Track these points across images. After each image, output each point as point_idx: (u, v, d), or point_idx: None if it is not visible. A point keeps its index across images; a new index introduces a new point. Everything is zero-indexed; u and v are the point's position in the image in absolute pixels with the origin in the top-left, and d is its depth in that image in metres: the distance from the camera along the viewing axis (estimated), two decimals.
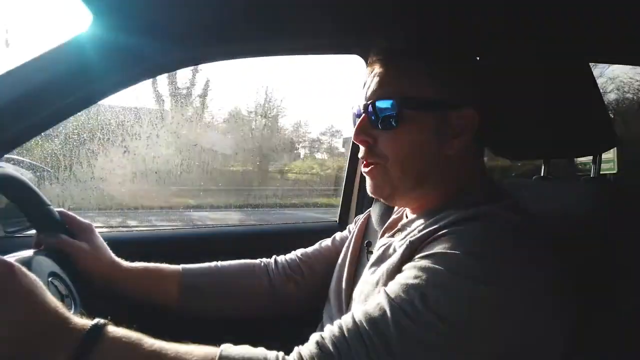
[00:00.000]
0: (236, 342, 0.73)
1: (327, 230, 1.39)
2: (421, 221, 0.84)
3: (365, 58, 1.38)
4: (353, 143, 1.59)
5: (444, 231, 0.74)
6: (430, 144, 0.83)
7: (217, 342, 0.72)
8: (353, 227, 1.19)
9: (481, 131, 0.84)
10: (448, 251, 0.69)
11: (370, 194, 0.91)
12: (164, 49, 1.15)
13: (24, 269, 0.64)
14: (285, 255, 1.24)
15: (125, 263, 1.08)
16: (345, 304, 0.99)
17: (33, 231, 1.02)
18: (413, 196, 0.89)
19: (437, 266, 0.68)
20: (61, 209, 1.05)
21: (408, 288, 0.68)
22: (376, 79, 0.86)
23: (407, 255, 0.77)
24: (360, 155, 0.91)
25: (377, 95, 0.85)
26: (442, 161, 0.84)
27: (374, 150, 0.86)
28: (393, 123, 0.82)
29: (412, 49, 0.86)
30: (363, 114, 0.87)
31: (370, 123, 0.85)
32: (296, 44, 1.31)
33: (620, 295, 0.86)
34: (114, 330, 0.66)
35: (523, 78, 1.00)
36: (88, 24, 1.05)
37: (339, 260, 1.11)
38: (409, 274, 0.70)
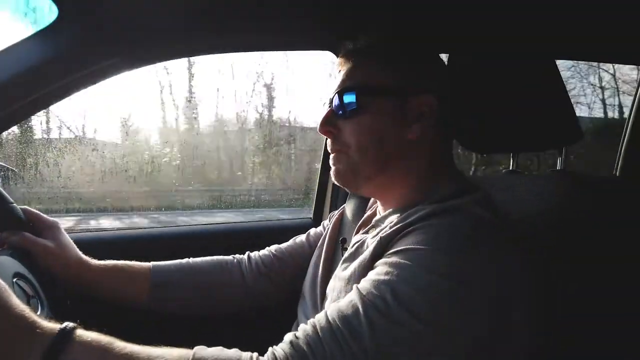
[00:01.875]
0: (210, 340, 0.72)
1: (301, 227, 1.39)
2: (393, 217, 0.85)
3: (337, 54, 1.39)
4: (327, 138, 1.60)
5: (413, 227, 0.75)
6: (390, 128, 0.85)
7: (190, 340, 0.71)
8: (327, 224, 1.19)
9: (444, 120, 0.87)
10: (417, 246, 0.70)
11: (334, 181, 0.93)
12: (131, 45, 1.13)
13: None
14: (259, 251, 1.23)
15: (93, 261, 1.06)
16: (320, 300, 0.99)
17: None
18: (377, 183, 0.89)
19: (406, 261, 0.69)
20: (25, 207, 1.02)
21: (379, 284, 0.68)
22: (341, 74, 0.91)
23: (379, 252, 0.77)
24: (328, 146, 0.93)
25: (340, 87, 0.89)
26: (404, 146, 0.86)
27: (338, 139, 0.89)
28: (353, 111, 0.86)
29: (372, 44, 0.91)
30: (328, 107, 0.90)
31: (335, 115, 0.89)
32: (269, 39, 1.31)
33: (585, 285, 0.88)
34: (83, 334, 0.64)
35: (489, 72, 1.02)
36: (53, 16, 1.02)
37: (314, 257, 1.11)
38: (380, 270, 0.71)
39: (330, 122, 0.89)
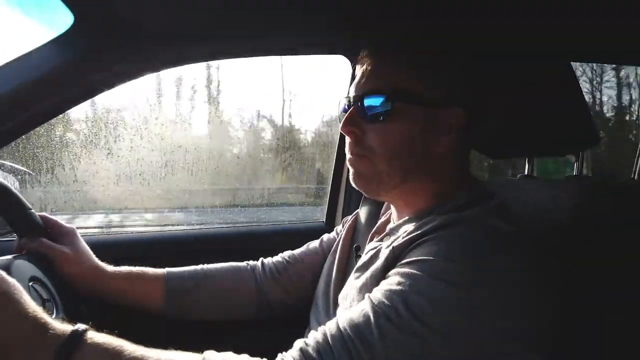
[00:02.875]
0: (222, 346, 0.72)
1: (314, 230, 1.39)
2: (408, 226, 0.83)
3: (350, 58, 1.39)
4: (340, 140, 1.60)
5: (426, 237, 0.74)
6: (419, 139, 0.82)
7: (201, 345, 0.72)
8: (341, 229, 1.18)
9: (467, 131, 0.84)
10: (429, 257, 0.69)
11: (353, 184, 0.89)
12: (146, 50, 1.14)
13: (3, 273, 0.63)
14: (272, 257, 1.23)
15: (109, 267, 1.06)
16: (332, 307, 0.98)
17: (15, 236, 1.01)
18: (397, 192, 0.87)
19: (419, 272, 0.68)
20: (43, 213, 1.03)
21: (391, 294, 0.68)
22: (367, 73, 0.85)
23: (391, 261, 0.77)
24: (347, 148, 0.88)
25: (367, 88, 0.84)
26: (429, 158, 0.84)
27: (361, 142, 0.85)
28: (383, 116, 0.81)
29: (405, 42, 0.86)
30: (352, 106, 0.85)
31: (359, 115, 0.84)
32: (281, 44, 1.31)
33: (604, 292, 0.87)
34: (94, 335, 0.65)
35: (509, 78, 1.01)
36: (69, 24, 1.03)
37: (327, 263, 1.11)
38: (393, 280, 0.70)
39: (355, 123, 0.84)
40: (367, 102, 0.82)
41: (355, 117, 0.84)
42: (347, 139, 0.87)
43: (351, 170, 0.88)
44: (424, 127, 0.82)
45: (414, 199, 0.88)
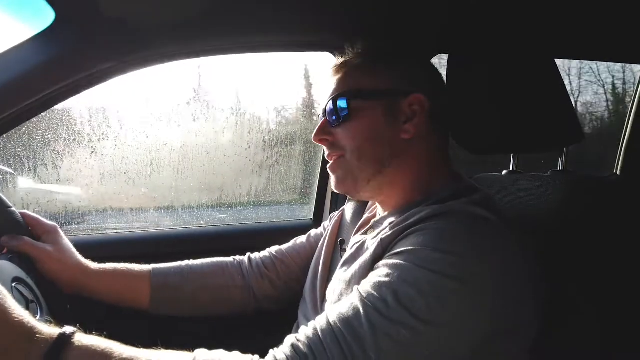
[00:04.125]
0: (211, 341, 0.72)
1: (302, 228, 1.38)
2: (392, 218, 0.85)
3: (337, 56, 1.39)
4: None
5: (413, 228, 0.75)
6: (383, 130, 0.88)
7: (191, 342, 0.71)
8: (328, 224, 1.19)
9: (436, 118, 0.88)
10: (417, 247, 0.70)
11: (335, 190, 0.95)
12: (129, 47, 1.12)
13: None
14: (259, 253, 1.22)
15: (93, 265, 1.05)
16: (320, 302, 0.99)
17: None
18: (375, 186, 0.91)
19: (407, 263, 0.69)
20: (24, 211, 1.01)
21: (380, 286, 0.68)
22: (333, 83, 0.94)
23: (379, 253, 0.78)
24: (325, 154, 0.95)
25: (332, 95, 0.92)
26: (399, 146, 0.88)
27: (334, 145, 0.92)
28: (346, 116, 0.89)
29: (360, 53, 0.95)
30: (322, 117, 0.94)
31: (329, 123, 0.92)
32: (268, 41, 1.30)
33: (584, 286, 0.88)
34: (82, 338, 0.64)
35: (488, 70, 1.01)
36: (50, 21, 1.02)
37: (314, 258, 1.11)
38: (381, 272, 0.71)
39: (325, 131, 0.92)
40: (332, 107, 0.91)
41: (325, 125, 0.93)
42: (324, 147, 0.95)
43: (332, 177, 0.95)
44: (386, 117, 0.88)
45: (393, 192, 0.90)
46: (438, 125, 0.90)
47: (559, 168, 1.09)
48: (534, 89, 1.00)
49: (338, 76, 0.94)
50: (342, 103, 0.89)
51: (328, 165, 0.95)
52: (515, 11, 1.14)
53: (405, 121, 0.87)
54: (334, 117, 0.90)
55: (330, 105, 0.91)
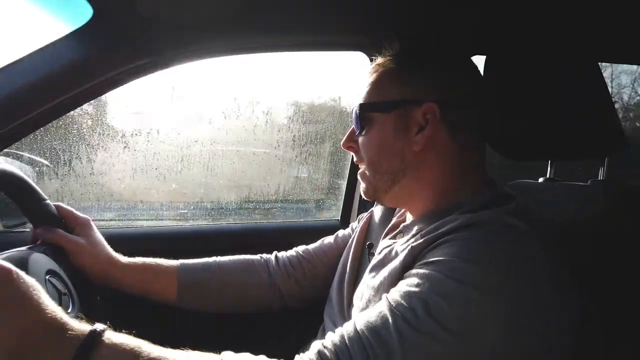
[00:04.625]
0: (236, 339, 0.72)
1: (329, 229, 1.38)
2: (422, 225, 0.84)
3: (369, 55, 1.37)
4: None
5: (444, 238, 0.73)
6: (395, 142, 0.87)
7: (216, 340, 0.72)
8: (356, 226, 1.18)
9: (451, 125, 0.84)
10: (449, 258, 0.68)
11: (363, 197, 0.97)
12: (166, 43, 1.13)
13: (22, 273, 0.62)
14: (286, 251, 1.22)
15: (124, 258, 1.07)
16: (347, 306, 0.98)
17: (29, 226, 1.01)
18: (396, 195, 0.91)
19: (438, 273, 0.67)
20: (58, 203, 1.04)
21: (410, 296, 0.67)
22: (361, 91, 0.95)
23: (409, 262, 0.76)
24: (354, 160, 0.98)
25: (355, 104, 0.93)
26: (412, 158, 0.86)
27: (357, 154, 0.95)
28: (363, 128, 0.91)
29: (389, 55, 0.94)
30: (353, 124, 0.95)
31: (354, 131, 0.94)
32: (300, 40, 1.30)
33: (626, 298, 0.85)
34: (112, 336, 0.65)
35: (528, 74, 0.98)
36: (88, 17, 1.03)
37: (342, 260, 1.10)
38: (411, 281, 0.69)
39: (351, 138, 0.95)
40: (354, 117, 0.93)
41: (352, 133, 0.95)
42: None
43: (361, 184, 0.97)
44: (397, 130, 0.87)
45: (414, 201, 0.90)
46: (455, 132, 0.86)
47: (600, 177, 1.05)
48: (575, 93, 0.96)
49: (365, 82, 0.94)
50: (356, 116, 0.91)
51: (359, 172, 0.97)
52: (557, 12, 1.10)
53: (417, 132, 0.85)
54: (356, 128, 0.92)
55: (353, 114, 0.93)
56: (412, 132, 0.85)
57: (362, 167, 0.95)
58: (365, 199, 0.98)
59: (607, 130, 0.94)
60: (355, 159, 0.96)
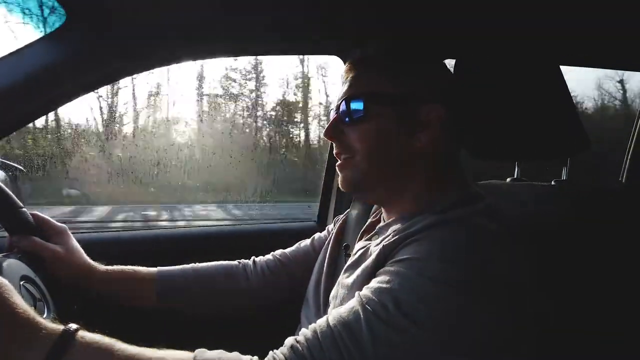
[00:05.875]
0: (214, 343, 0.73)
1: (306, 230, 1.39)
2: (397, 225, 0.85)
3: (343, 59, 1.39)
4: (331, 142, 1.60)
5: (415, 236, 0.75)
6: (396, 136, 0.86)
7: (193, 344, 0.72)
8: (332, 228, 1.19)
9: (451, 129, 0.87)
10: (419, 255, 0.71)
11: (341, 188, 0.94)
12: (139, 47, 1.13)
13: None
14: (263, 256, 1.23)
15: (101, 266, 1.07)
16: (323, 306, 0.99)
17: (5, 234, 1.00)
18: (383, 190, 0.90)
19: (407, 270, 0.70)
20: (35, 212, 1.03)
21: (381, 292, 0.69)
22: (347, 81, 0.92)
23: (382, 260, 0.78)
24: (334, 151, 0.94)
25: (346, 95, 0.90)
26: (410, 155, 0.86)
27: (344, 145, 0.90)
28: (360, 118, 0.87)
29: (378, 51, 0.93)
30: (335, 113, 0.92)
31: (341, 121, 0.90)
32: (276, 44, 1.31)
33: (587, 296, 0.88)
34: (85, 335, 0.65)
35: (494, 77, 1.01)
36: (62, 19, 1.03)
37: (317, 262, 1.12)
38: (382, 278, 0.72)
39: (337, 128, 0.91)
40: (345, 107, 0.89)
41: (338, 123, 0.90)
42: (334, 144, 0.92)
43: (339, 175, 0.93)
44: (399, 124, 0.86)
45: (400, 199, 0.89)
46: (451, 135, 0.88)
47: (563, 177, 1.09)
48: (538, 95, 1.00)
49: (354, 74, 0.92)
50: (356, 104, 0.87)
51: (337, 163, 0.93)
52: (520, 16, 1.14)
53: (419, 130, 0.85)
54: (347, 117, 0.89)
55: (344, 104, 0.89)
56: (414, 129, 0.85)
57: (343, 159, 0.91)
58: (343, 190, 0.94)
59: (569, 132, 0.98)
60: (336, 150, 0.92)
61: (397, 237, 0.78)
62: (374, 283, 0.72)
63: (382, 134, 0.86)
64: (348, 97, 0.89)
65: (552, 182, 1.04)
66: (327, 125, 0.92)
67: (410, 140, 0.85)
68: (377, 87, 0.87)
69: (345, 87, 0.92)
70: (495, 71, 1.03)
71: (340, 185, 0.94)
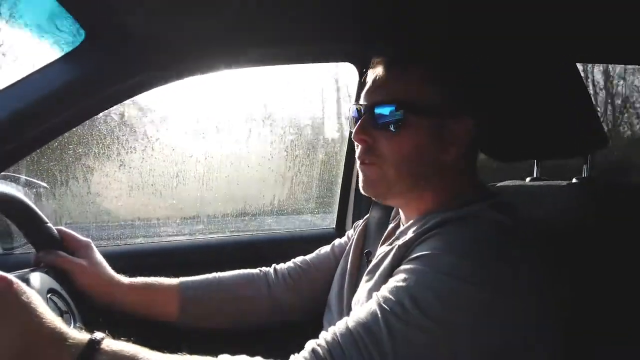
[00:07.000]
0: (236, 350, 0.73)
1: (324, 237, 1.39)
2: (415, 227, 0.85)
3: (357, 66, 1.40)
4: (349, 146, 1.61)
5: (430, 233, 0.76)
6: (429, 149, 0.85)
7: (217, 351, 0.73)
8: (352, 234, 1.19)
9: (477, 139, 0.86)
10: (434, 252, 0.71)
11: (362, 191, 0.92)
12: (158, 62, 1.15)
13: (22, 284, 0.64)
14: (284, 263, 1.24)
15: (125, 279, 1.08)
16: (346, 312, 0.99)
17: (32, 249, 1.02)
18: (405, 198, 0.91)
19: (423, 267, 0.70)
20: (60, 227, 1.05)
21: (397, 290, 0.69)
22: (378, 82, 0.89)
23: (398, 260, 0.79)
24: (357, 154, 0.91)
25: (378, 97, 0.87)
26: (438, 166, 0.86)
27: (372, 150, 0.87)
28: (394, 125, 0.84)
29: (417, 53, 0.89)
30: (364, 115, 0.88)
31: (371, 124, 0.86)
32: (289, 53, 1.32)
33: (610, 294, 0.87)
34: (111, 343, 0.66)
35: (515, 82, 1.01)
36: (80, 40, 1.06)
37: (339, 268, 1.12)
38: (399, 277, 0.72)
39: (365, 131, 0.87)
40: (378, 111, 0.85)
41: (367, 125, 0.87)
42: (358, 146, 0.90)
43: (361, 177, 0.91)
44: (434, 137, 0.84)
45: (422, 205, 0.90)
46: (479, 144, 0.89)
47: (584, 174, 1.08)
48: (555, 94, 0.99)
49: (389, 76, 0.87)
50: (395, 112, 0.83)
51: (360, 165, 0.90)
52: (534, 15, 1.13)
53: (449, 143, 0.85)
54: (379, 121, 0.85)
55: (378, 107, 0.85)
56: (445, 142, 0.84)
57: (368, 162, 0.88)
58: (364, 193, 0.92)
59: (588, 129, 0.97)
60: (362, 155, 0.89)
61: (412, 235, 0.78)
62: (391, 282, 0.73)
63: (415, 145, 0.84)
64: (381, 100, 0.85)
65: (574, 180, 1.03)
66: (355, 127, 0.88)
67: (439, 152, 0.85)
68: (416, 95, 0.84)
69: (376, 87, 0.88)
70: (512, 72, 1.03)
71: (361, 188, 0.92)
